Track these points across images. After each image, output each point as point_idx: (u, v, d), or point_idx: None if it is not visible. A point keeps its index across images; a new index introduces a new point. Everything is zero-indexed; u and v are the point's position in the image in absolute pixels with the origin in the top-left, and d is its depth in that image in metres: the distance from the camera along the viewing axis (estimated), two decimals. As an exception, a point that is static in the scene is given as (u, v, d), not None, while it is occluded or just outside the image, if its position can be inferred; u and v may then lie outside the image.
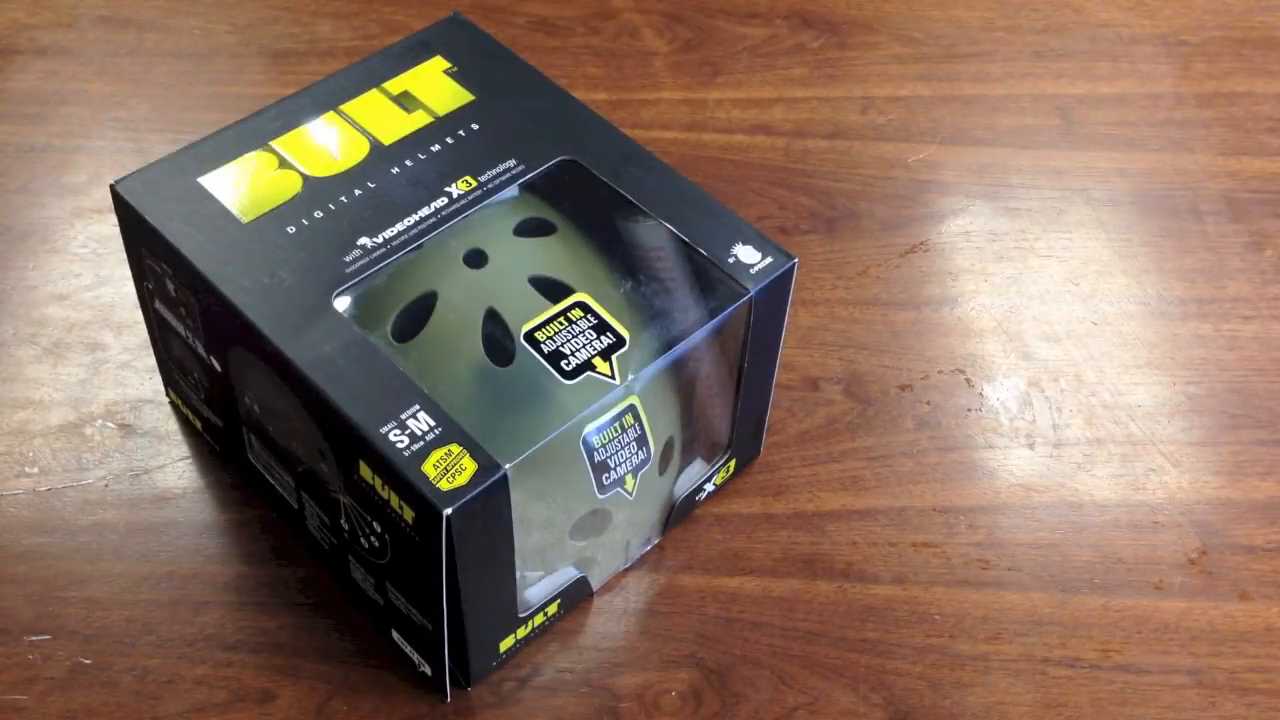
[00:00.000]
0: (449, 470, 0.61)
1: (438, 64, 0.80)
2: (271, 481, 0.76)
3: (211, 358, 0.72)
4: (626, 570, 0.78)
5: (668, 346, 0.68)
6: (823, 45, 1.10)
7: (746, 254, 0.71)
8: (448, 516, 0.59)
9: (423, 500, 0.60)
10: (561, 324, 0.67)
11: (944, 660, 0.75)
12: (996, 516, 0.82)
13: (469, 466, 0.61)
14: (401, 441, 0.61)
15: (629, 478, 0.69)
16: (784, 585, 0.78)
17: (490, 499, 0.61)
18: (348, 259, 0.69)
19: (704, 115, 1.04)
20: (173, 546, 0.78)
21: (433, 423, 0.62)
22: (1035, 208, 0.99)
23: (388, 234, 0.70)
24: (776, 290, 0.72)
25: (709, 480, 0.79)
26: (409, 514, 0.61)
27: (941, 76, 1.08)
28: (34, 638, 0.74)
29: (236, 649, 0.74)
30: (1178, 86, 1.08)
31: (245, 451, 0.77)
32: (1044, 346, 0.90)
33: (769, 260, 0.71)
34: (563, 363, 0.66)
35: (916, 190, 1.00)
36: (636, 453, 0.69)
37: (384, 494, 0.62)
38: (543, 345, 0.66)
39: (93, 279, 0.91)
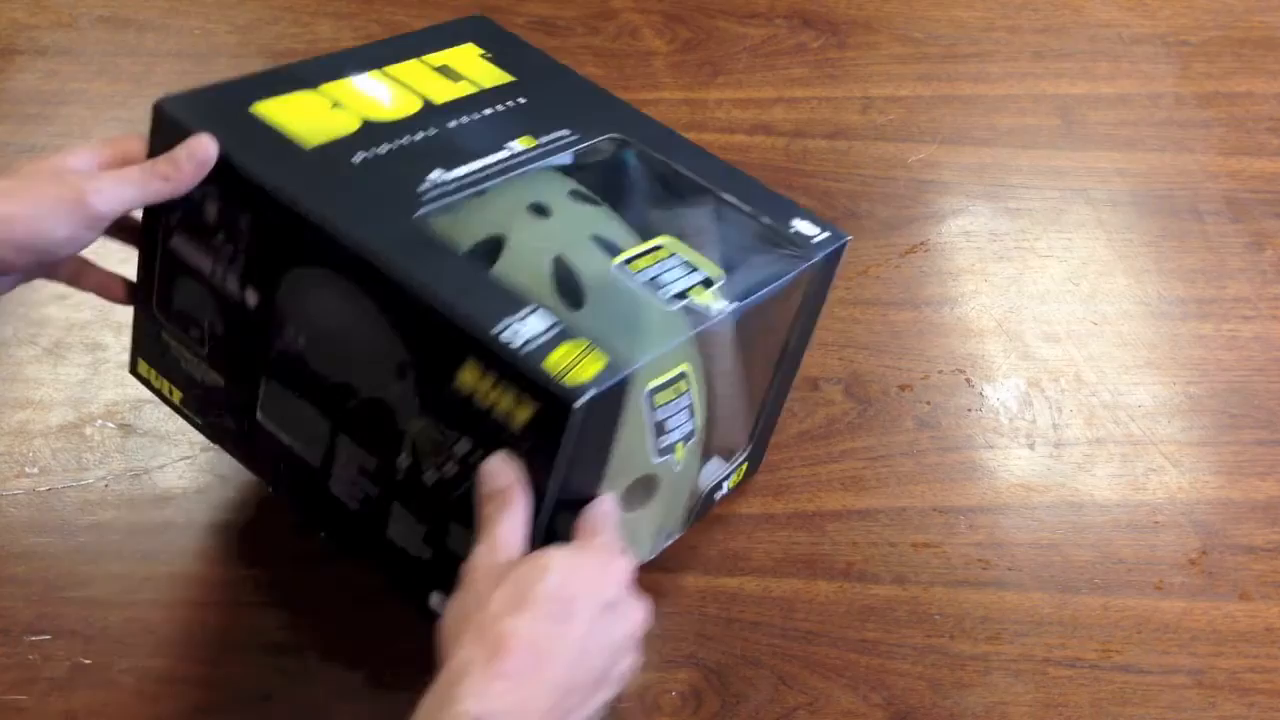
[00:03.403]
0: (573, 366, 0.58)
1: (472, 49, 0.79)
2: (286, 441, 0.70)
3: (247, 290, 0.68)
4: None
5: (753, 292, 0.67)
6: (823, 45, 1.10)
7: (805, 227, 0.72)
8: (576, 409, 0.56)
9: (547, 393, 0.56)
10: (651, 259, 0.66)
11: (944, 660, 0.75)
12: (996, 516, 0.82)
13: (595, 363, 0.58)
14: (517, 339, 0.58)
15: (680, 446, 0.69)
16: (784, 585, 0.78)
17: (612, 399, 0.59)
18: (420, 189, 0.66)
19: (704, 115, 1.04)
20: (173, 547, 0.78)
21: (551, 322, 0.59)
22: (1035, 208, 0.99)
23: (459, 172, 0.68)
24: (830, 265, 0.72)
25: (726, 479, 0.79)
26: (522, 414, 0.58)
27: (941, 76, 1.08)
28: (34, 638, 0.74)
29: (236, 649, 0.74)
30: (1178, 86, 1.08)
31: (244, 416, 0.71)
32: (1044, 346, 0.90)
33: (827, 234, 0.72)
34: (661, 291, 0.65)
35: (916, 190, 1.00)
36: (687, 421, 0.68)
37: (490, 399, 0.59)
38: (637, 276, 0.65)
39: (93, 279, 0.91)
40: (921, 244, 0.96)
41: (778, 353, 0.76)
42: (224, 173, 0.65)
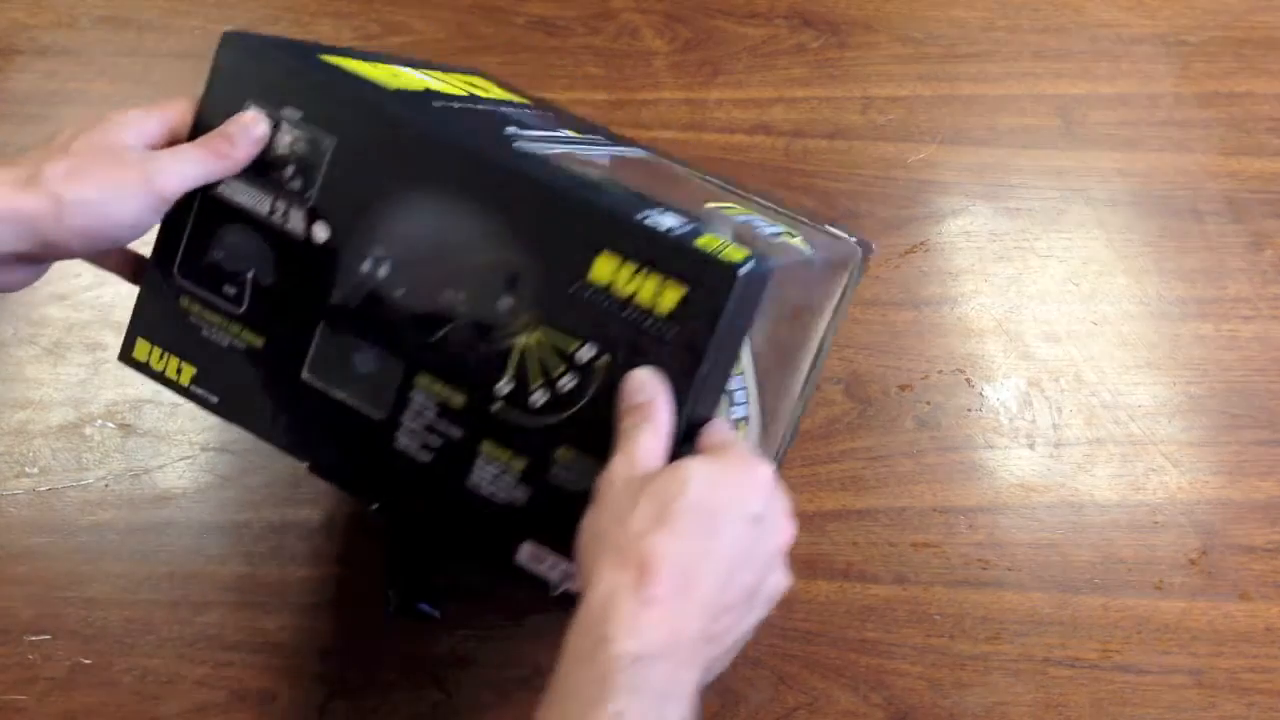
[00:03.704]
0: (723, 248, 0.58)
1: (485, 80, 0.80)
2: (340, 397, 0.65)
3: (315, 225, 0.64)
4: (626, 570, 0.78)
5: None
6: (823, 45, 1.10)
7: (837, 231, 0.73)
8: (740, 275, 0.56)
9: (706, 266, 0.56)
10: (734, 212, 0.66)
11: (944, 660, 0.75)
12: (996, 516, 0.82)
13: (740, 251, 0.58)
14: (661, 226, 0.58)
15: (741, 424, 0.68)
16: (784, 585, 0.78)
17: (757, 290, 0.58)
18: (506, 132, 0.66)
19: (704, 115, 1.04)
20: (173, 546, 0.78)
21: (685, 218, 0.59)
22: (1035, 208, 0.99)
23: (532, 133, 0.68)
24: (860, 270, 0.73)
25: None
26: (670, 299, 0.57)
27: (941, 76, 1.08)
28: (34, 638, 0.74)
29: (236, 649, 0.74)
30: (1178, 86, 1.08)
31: (284, 380, 0.66)
32: (1044, 346, 0.90)
33: (856, 239, 0.73)
34: (757, 230, 0.65)
35: (916, 190, 1.00)
36: (744, 402, 0.68)
37: (630, 288, 0.58)
38: (734, 218, 0.65)
39: (93, 279, 0.91)
40: (921, 244, 0.96)
41: (801, 382, 0.76)
42: (307, 97, 0.63)
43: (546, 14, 1.12)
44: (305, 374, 0.66)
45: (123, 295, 0.90)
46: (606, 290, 0.58)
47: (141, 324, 0.69)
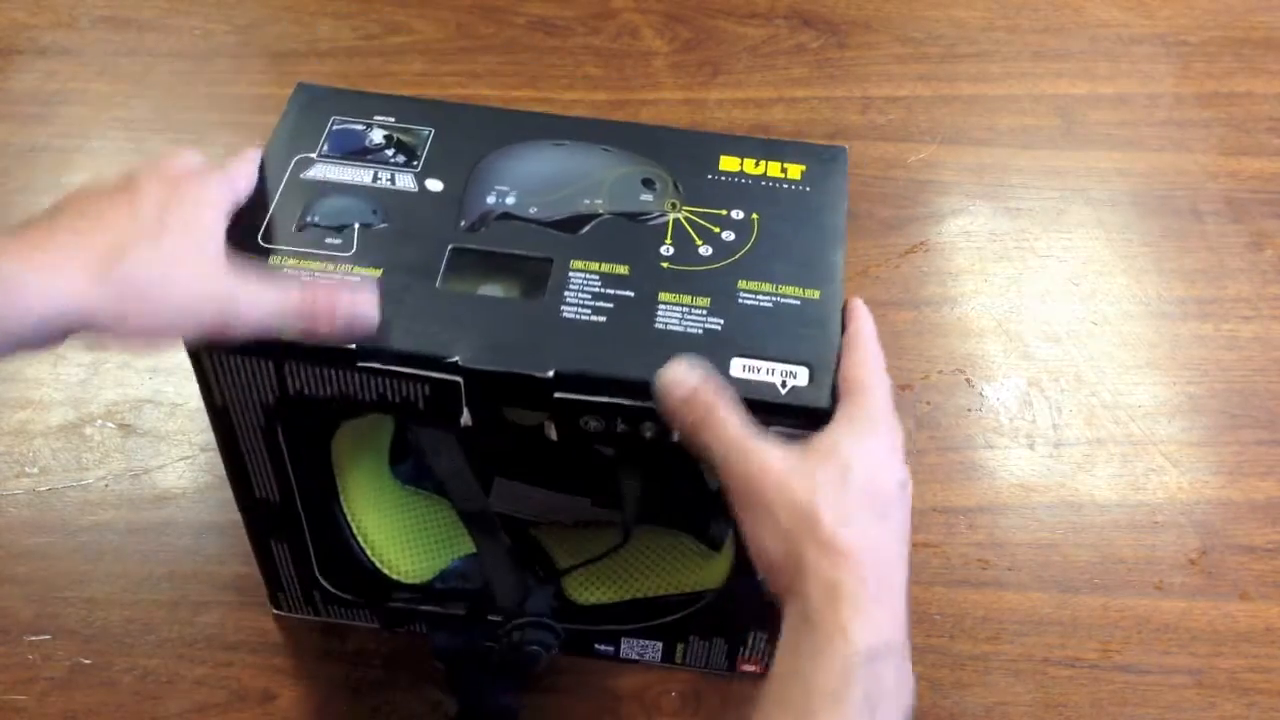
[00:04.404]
0: None
1: None
2: (485, 292, 0.64)
3: (427, 181, 0.67)
4: (626, 570, 0.78)
5: None
6: (823, 45, 1.10)
7: None
8: (846, 151, 0.69)
9: (815, 149, 0.69)
10: None
11: (944, 660, 0.75)
12: (996, 516, 0.82)
13: None
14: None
15: None
16: (784, 585, 0.78)
17: None
18: None
19: (704, 115, 1.04)
20: (173, 546, 0.78)
21: None
22: (1035, 208, 0.99)
23: None
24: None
25: None
26: (795, 169, 0.67)
27: (941, 76, 1.08)
28: (34, 638, 0.74)
29: (236, 649, 0.74)
30: (1178, 86, 1.08)
31: (407, 296, 0.62)
32: (1044, 346, 0.90)
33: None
34: None
35: (916, 190, 1.00)
36: None
37: (759, 170, 0.68)
38: None
39: (93, 279, 0.91)
40: (921, 244, 0.96)
41: None
42: (395, 108, 0.69)
43: (546, 14, 1.12)
44: (439, 286, 0.63)
45: (123, 295, 0.90)
46: (739, 172, 0.68)
47: None
